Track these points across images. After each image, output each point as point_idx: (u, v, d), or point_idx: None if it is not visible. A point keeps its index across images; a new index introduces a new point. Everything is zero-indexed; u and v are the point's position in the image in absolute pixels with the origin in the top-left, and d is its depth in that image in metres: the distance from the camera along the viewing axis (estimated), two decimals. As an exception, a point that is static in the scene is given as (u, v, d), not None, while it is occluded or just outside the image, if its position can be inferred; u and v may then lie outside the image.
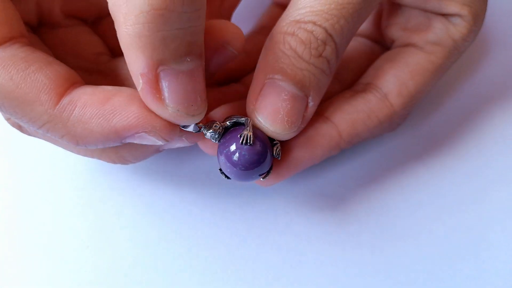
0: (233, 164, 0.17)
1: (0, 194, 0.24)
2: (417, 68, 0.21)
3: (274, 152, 0.18)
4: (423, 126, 0.25)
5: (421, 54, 0.21)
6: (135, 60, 0.15)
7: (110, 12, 0.15)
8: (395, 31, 0.22)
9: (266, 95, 0.17)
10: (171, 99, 0.15)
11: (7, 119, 0.20)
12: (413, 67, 0.21)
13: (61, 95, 0.16)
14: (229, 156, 0.18)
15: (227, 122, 0.18)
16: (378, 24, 0.24)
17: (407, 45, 0.22)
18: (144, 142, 0.17)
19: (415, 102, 0.21)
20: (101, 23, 0.22)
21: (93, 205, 0.24)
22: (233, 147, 0.17)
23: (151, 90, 0.15)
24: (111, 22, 0.20)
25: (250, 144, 0.17)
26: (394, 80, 0.21)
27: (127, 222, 0.23)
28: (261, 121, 0.18)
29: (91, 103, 0.16)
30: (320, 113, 0.20)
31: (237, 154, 0.17)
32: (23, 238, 0.23)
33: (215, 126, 0.18)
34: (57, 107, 0.16)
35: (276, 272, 0.22)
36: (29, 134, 0.20)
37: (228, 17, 0.24)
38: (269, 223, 0.23)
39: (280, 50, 0.17)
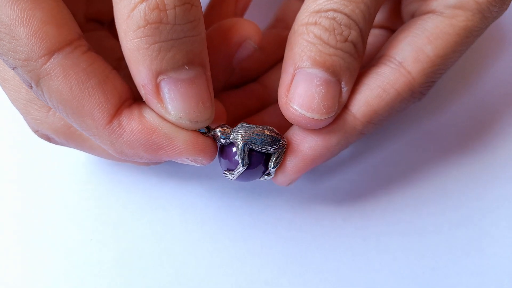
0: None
1: (10, 189, 0.24)
2: (435, 32, 0.19)
3: (272, 164, 0.19)
4: (430, 123, 0.25)
5: (441, 18, 0.19)
6: (137, 72, 0.16)
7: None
8: (415, 4, 0.21)
9: (298, 84, 0.18)
10: (172, 106, 0.16)
11: (35, 132, 0.20)
12: (431, 31, 0.19)
13: (113, 115, 0.17)
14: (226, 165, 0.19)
15: (239, 136, 0.18)
16: (395, 10, 0.23)
17: (426, 13, 0.20)
18: (183, 163, 0.18)
19: (438, 69, 0.19)
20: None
21: (98, 198, 0.24)
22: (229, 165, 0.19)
23: (153, 100, 0.16)
24: None
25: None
26: (409, 47, 0.19)
27: (131, 216, 0.23)
28: (297, 109, 0.18)
29: (139, 132, 0.17)
30: None
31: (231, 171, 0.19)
32: (29, 231, 0.23)
33: (224, 139, 0.18)
34: (108, 127, 0.17)
35: (281, 266, 0.22)
36: (58, 144, 0.21)
37: (242, 16, 0.24)
38: (274, 218, 0.23)
39: (305, 40, 0.17)
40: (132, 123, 0.17)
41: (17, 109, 0.20)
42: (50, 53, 0.16)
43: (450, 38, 0.19)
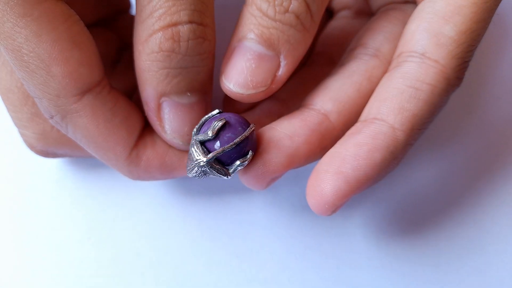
0: None
1: (6, 187, 0.24)
2: (449, 9, 0.17)
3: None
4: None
5: None
6: (143, 90, 0.17)
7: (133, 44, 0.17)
8: None
9: (233, 58, 0.17)
10: (169, 127, 0.18)
11: (32, 148, 0.21)
12: (444, 10, 0.17)
13: (133, 148, 0.18)
14: None
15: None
16: None
17: None
18: None
19: (466, 46, 0.17)
20: (115, 21, 0.23)
21: (95, 197, 0.24)
22: None
23: (153, 117, 0.18)
24: (125, 20, 0.23)
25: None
26: (426, 35, 0.17)
27: (129, 214, 0.23)
28: (226, 83, 0.17)
29: (154, 157, 0.19)
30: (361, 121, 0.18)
31: None
32: (26, 230, 0.23)
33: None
34: (127, 158, 0.18)
35: (280, 264, 0.22)
36: (56, 157, 0.22)
37: None
38: (274, 216, 0.23)
39: (248, 12, 0.17)
40: (147, 151, 0.19)
41: (17, 122, 0.20)
42: (82, 93, 0.17)
43: (467, 10, 0.17)
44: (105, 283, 0.22)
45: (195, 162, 0.17)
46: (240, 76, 0.17)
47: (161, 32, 0.16)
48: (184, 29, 0.16)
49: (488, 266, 0.22)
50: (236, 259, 0.23)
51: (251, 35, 0.17)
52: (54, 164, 0.24)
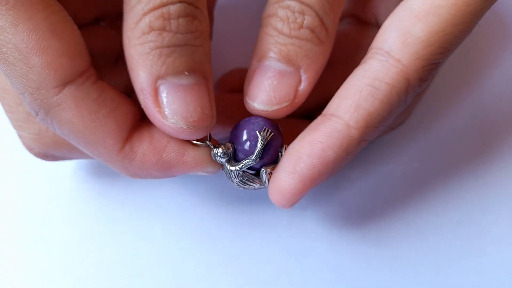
0: None
1: (7, 189, 0.24)
2: (425, 9, 0.17)
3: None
4: (430, 122, 0.25)
5: None
6: (137, 76, 0.16)
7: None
8: None
9: (255, 78, 0.18)
10: (170, 110, 0.17)
11: (30, 150, 0.20)
12: (420, 9, 0.17)
13: (125, 141, 0.17)
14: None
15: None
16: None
17: None
18: (194, 174, 0.19)
19: (436, 48, 0.17)
20: (118, 21, 0.23)
21: (96, 198, 0.24)
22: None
23: (150, 104, 0.17)
24: None
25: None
26: (395, 33, 0.17)
27: (129, 215, 0.23)
28: (250, 102, 0.18)
29: (150, 152, 0.18)
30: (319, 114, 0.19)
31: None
32: (26, 231, 0.23)
33: (224, 151, 0.19)
34: (120, 152, 0.17)
35: (281, 265, 0.22)
36: (56, 160, 0.21)
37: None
38: (274, 217, 0.23)
39: (265, 33, 0.18)
40: (143, 145, 0.18)
41: (14, 123, 0.20)
42: (63, 84, 0.16)
43: (445, 10, 0.16)
44: (105, 283, 0.22)
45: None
46: (263, 94, 0.17)
47: (151, 13, 0.15)
48: (174, 8, 0.15)
49: (488, 267, 0.22)
50: (237, 261, 0.22)
51: (270, 54, 0.17)
52: (54, 166, 0.24)
